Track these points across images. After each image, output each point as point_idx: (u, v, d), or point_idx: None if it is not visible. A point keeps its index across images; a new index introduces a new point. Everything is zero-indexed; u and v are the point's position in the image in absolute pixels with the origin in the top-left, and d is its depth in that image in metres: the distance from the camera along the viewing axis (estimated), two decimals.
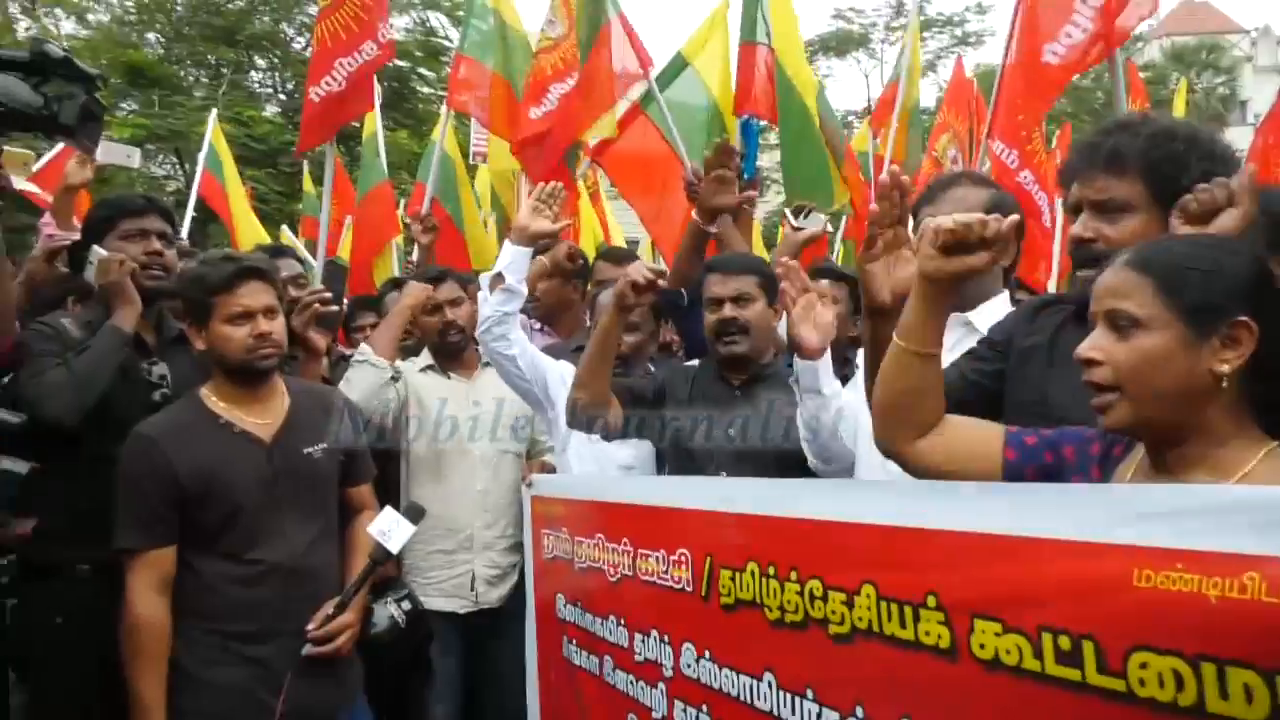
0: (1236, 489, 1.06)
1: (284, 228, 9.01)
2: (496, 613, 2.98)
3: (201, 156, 7.09)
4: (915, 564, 1.38)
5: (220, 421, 2.23)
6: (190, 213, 6.67)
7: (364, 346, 2.95)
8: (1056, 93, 4.32)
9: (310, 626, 2.20)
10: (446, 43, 16.87)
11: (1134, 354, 1.24)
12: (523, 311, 3.62)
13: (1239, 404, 1.24)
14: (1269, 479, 1.17)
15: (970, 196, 2.10)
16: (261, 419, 2.28)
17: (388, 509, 2.31)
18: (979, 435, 1.49)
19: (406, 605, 2.43)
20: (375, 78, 4.91)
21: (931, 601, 1.33)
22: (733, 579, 1.79)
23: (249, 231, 7.07)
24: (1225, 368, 1.21)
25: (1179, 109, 8.32)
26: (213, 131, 7.14)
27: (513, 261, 2.69)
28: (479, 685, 3.05)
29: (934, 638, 1.32)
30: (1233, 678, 0.93)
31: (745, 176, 3.67)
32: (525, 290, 2.77)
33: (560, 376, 2.79)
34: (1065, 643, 1.12)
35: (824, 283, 2.37)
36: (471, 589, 2.96)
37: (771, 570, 1.69)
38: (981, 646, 1.24)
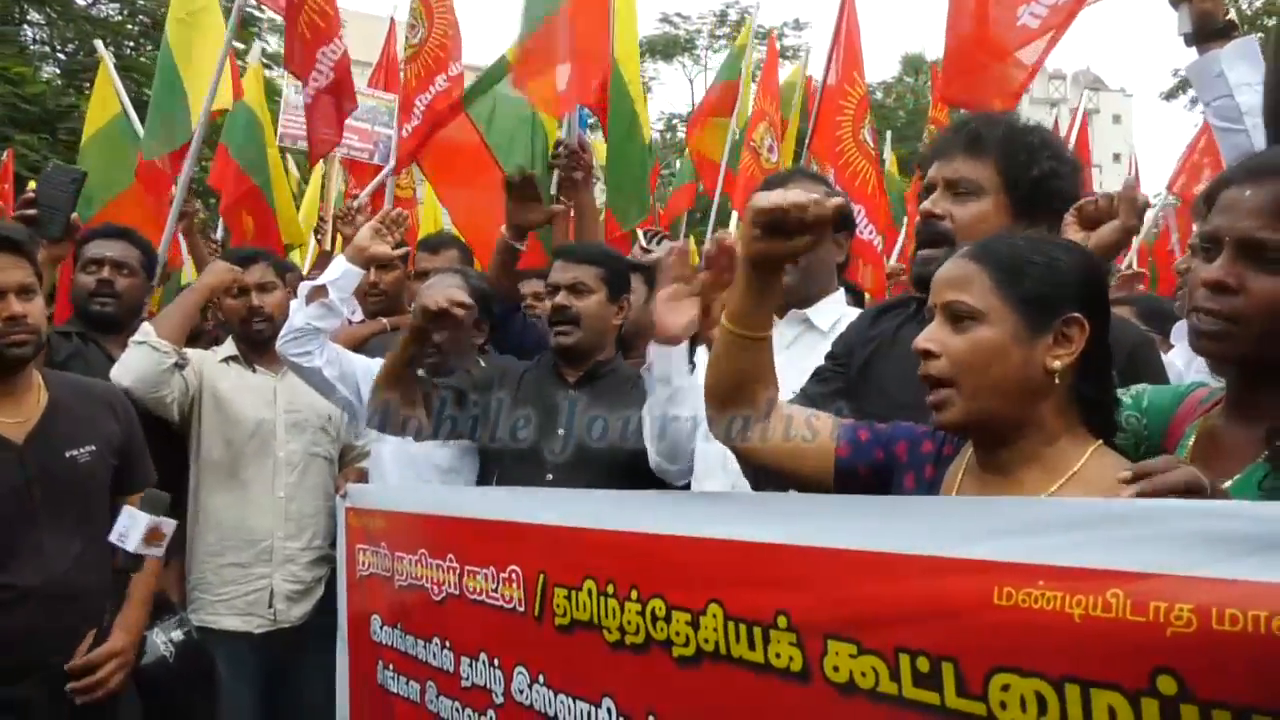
0: (1096, 502, 1.04)
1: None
2: (299, 631, 2.72)
3: None
4: (765, 582, 1.32)
5: None
6: None
7: (145, 326, 2.62)
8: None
9: (73, 661, 1.92)
10: None
11: (970, 345, 1.25)
12: (367, 304, 3.41)
13: (1068, 402, 1.26)
14: (1098, 477, 1.19)
15: (806, 192, 2.11)
16: (12, 417, 1.98)
17: (125, 507, 2.00)
18: (810, 426, 1.48)
19: (178, 634, 2.18)
20: None
21: (782, 622, 1.26)
22: (568, 598, 1.67)
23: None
24: (1058, 364, 1.23)
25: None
26: None
27: (342, 278, 2.51)
28: (278, 713, 2.77)
29: (785, 660, 1.25)
30: (1097, 699, 0.91)
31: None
32: (345, 311, 2.61)
33: (370, 373, 2.58)
34: (924, 664, 1.07)
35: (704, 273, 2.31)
36: (270, 605, 2.68)
37: (610, 589, 1.59)
38: (835, 669, 1.18)
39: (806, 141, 5.33)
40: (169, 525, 1.96)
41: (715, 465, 2.06)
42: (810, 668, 1.22)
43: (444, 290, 2.27)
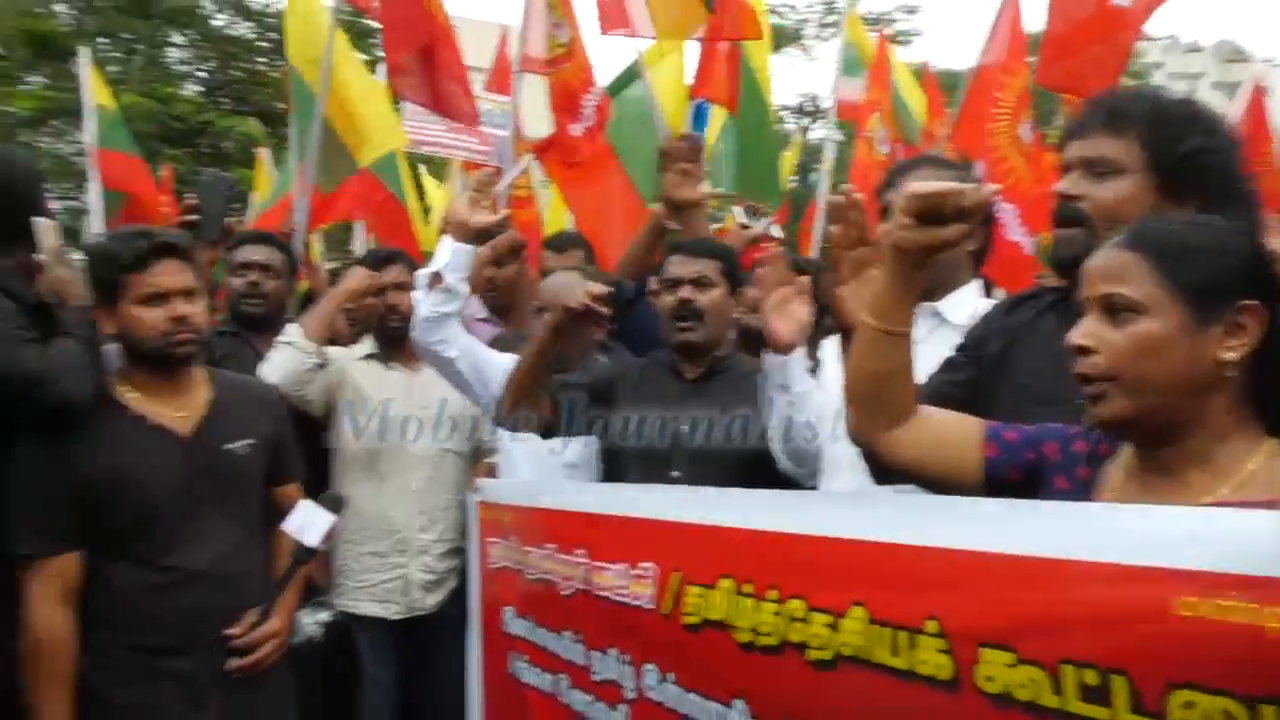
0: None
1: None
2: (434, 619, 2.82)
3: (89, 124, 5.36)
4: (913, 585, 1.27)
5: (132, 413, 2.04)
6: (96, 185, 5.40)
7: (291, 327, 2.76)
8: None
9: (234, 631, 2.05)
10: None
11: (1131, 341, 1.17)
12: (485, 299, 3.47)
13: (1240, 397, 1.17)
14: (1274, 481, 1.09)
15: (934, 180, 2.02)
16: (178, 411, 2.10)
17: (303, 501, 2.13)
18: (957, 427, 1.42)
19: (324, 616, 2.30)
20: None
21: (931, 627, 1.21)
22: (702, 596, 1.66)
23: None
24: (1231, 355, 1.14)
25: None
26: (90, 81, 5.36)
27: (452, 259, 2.50)
28: (416, 696, 2.88)
29: (932, 666, 1.21)
30: None
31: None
32: (466, 289, 2.60)
33: (507, 373, 2.63)
34: (1092, 677, 1.01)
35: (802, 279, 2.25)
36: (406, 594, 2.79)
37: (748, 588, 1.57)
38: (989, 679, 1.13)
39: (918, 130, 5.13)
40: (340, 524, 2.07)
41: (844, 464, 2.02)
42: (961, 676, 1.17)
43: (581, 287, 2.28)
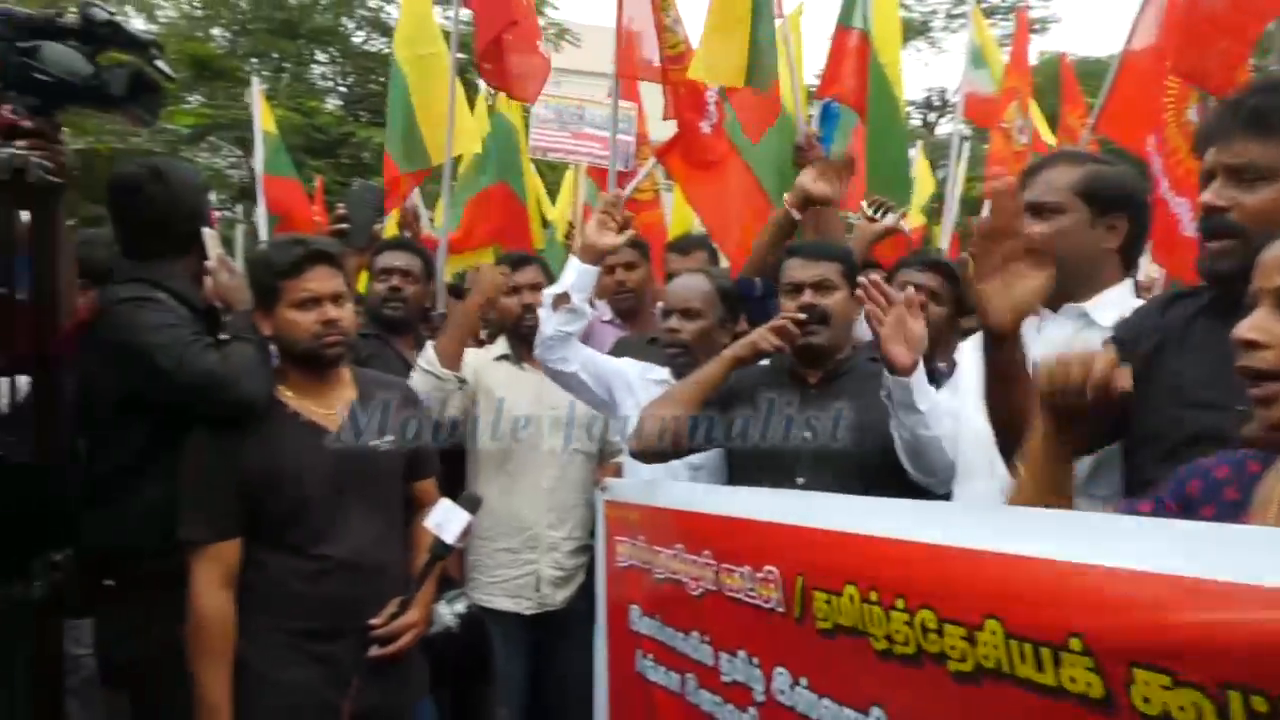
0: None
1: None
2: (562, 614, 2.89)
3: (258, 151, 6.06)
4: (1053, 601, 1.23)
5: (288, 410, 2.18)
6: (263, 208, 6.06)
7: (430, 353, 2.86)
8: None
9: (374, 621, 2.13)
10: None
11: None
12: (615, 302, 3.50)
13: None
14: None
15: (1058, 178, 1.91)
16: (328, 409, 2.21)
17: (443, 500, 2.22)
18: None
19: (460, 608, 2.36)
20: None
21: (1076, 644, 1.17)
22: (828, 602, 1.65)
23: None
24: None
25: None
26: (261, 111, 6.08)
27: (578, 279, 2.57)
28: (543, 689, 2.96)
29: (1082, 684, 1.16)
30: None
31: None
32: (590, 311, 2.67)
33: (625, 380, 2.67)
34: (1261, 704, 0.95)
35: (909, 289, 2.18)
36: (537, 590, 2.87)
37: (873, 596, 1.55)
38: (1145, 700, 1.08)
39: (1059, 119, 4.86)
40: (476, 522, 2.15)
41: (981, 468, 1.96)
42: (1114, 696, 1.12)
43: (770, 327, 2.30)
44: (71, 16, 1.72)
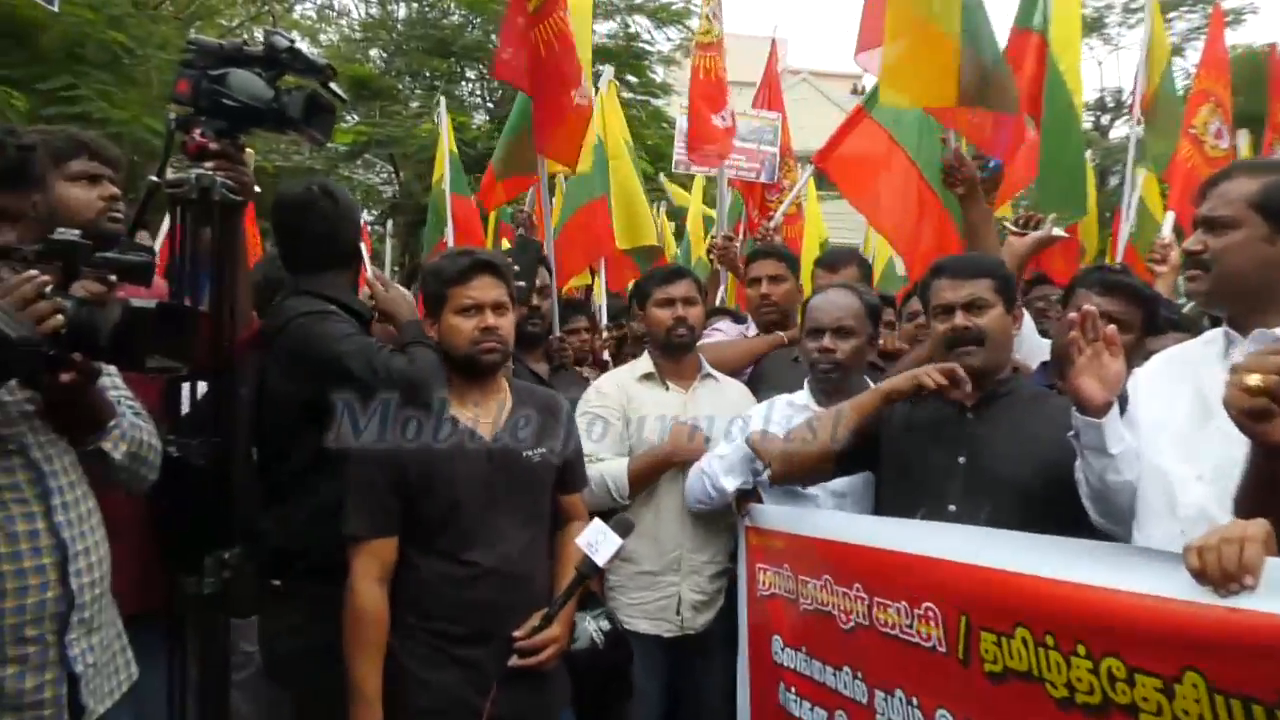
0: None
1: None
2: (702, 637, 2.83)
3: (447, 172, 6.13)
4: (1265, 655, 1.10)
5: (446, 414, 2.22)
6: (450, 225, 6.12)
7: (616, 470, 2.78)
8: None
9: (517, 634, 2.15)
10: (648, 47, 16.97)
11: None
12: (758, 316, 3.47)
13: None
14: None
15: (1233, 190, 1.76)
16: (485, 416, 2.26)
17: (596, 520, 2.22)
18: None
19: (605, 624, 2.34)
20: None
21: None
22: (998, 644, 1.54)
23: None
24: None
25: None
26: (447, 131, 6.31)
27: (739, 466, 2.62)
28: (681, 711, 2.91)
29: None
30: None
31: (990, 169, 3.34)
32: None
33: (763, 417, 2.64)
34: None
35: (1112, 327, 1.96)
36: (677, 613, 2.82)
37: (1050, 640, 1.43)
38: None
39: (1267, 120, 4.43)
40: (626, 545, 2.15)
41: (1161, 510, 1.77)
42: None
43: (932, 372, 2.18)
44: (256, 45, 1.82)
